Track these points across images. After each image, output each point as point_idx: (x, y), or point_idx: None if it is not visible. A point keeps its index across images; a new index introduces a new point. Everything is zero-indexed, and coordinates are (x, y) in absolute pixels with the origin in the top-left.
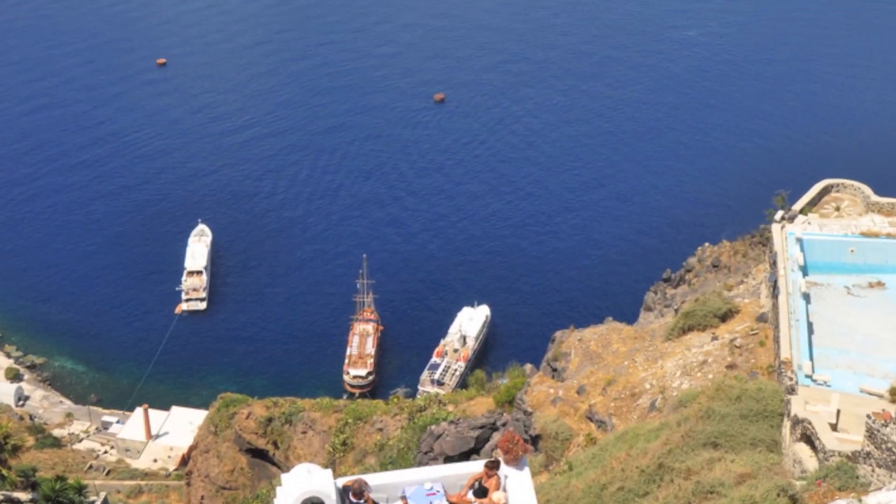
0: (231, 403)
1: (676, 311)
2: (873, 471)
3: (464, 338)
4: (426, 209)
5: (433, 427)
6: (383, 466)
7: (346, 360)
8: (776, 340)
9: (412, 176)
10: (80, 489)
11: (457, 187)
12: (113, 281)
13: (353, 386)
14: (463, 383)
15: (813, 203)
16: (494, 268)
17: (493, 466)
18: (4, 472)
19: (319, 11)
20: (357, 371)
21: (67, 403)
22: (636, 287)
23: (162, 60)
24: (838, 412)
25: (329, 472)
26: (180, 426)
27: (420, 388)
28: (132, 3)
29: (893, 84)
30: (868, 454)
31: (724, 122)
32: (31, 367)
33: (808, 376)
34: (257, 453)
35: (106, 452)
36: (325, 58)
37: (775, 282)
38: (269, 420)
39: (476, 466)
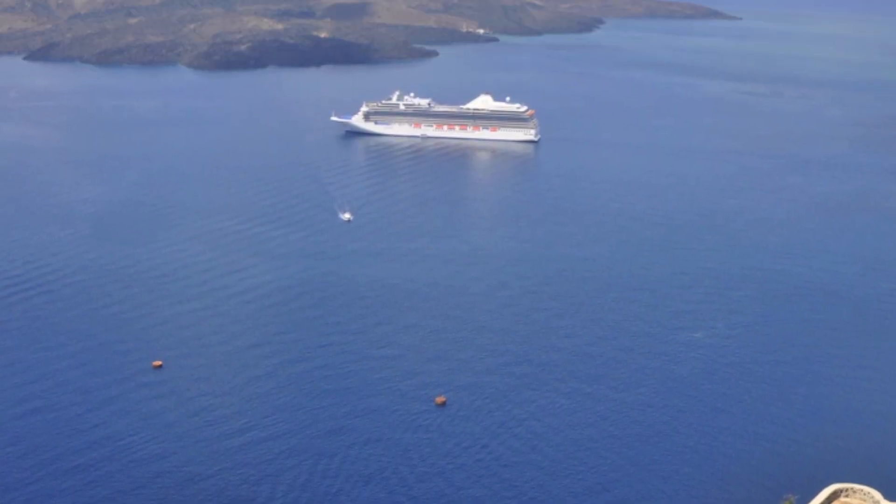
0: None
1: None
2: None
3: None
4: None
5: None
6: None
7: None
8: None
9: (413, 480)
10: None
11: (458, 492)
12: None
13: None
14: None
15: None
16: None
17: None
18: None
19: (318, 312)
20: None
21: None
22: None
23: (158, 363)
24: None
25: None
26: None
27: None
28: (127, 304)
29: None
30: None
31: (731, 426)
32: None
33: None
34: None
35: None
36: (324, 360)
37: None
38: None
39: None
